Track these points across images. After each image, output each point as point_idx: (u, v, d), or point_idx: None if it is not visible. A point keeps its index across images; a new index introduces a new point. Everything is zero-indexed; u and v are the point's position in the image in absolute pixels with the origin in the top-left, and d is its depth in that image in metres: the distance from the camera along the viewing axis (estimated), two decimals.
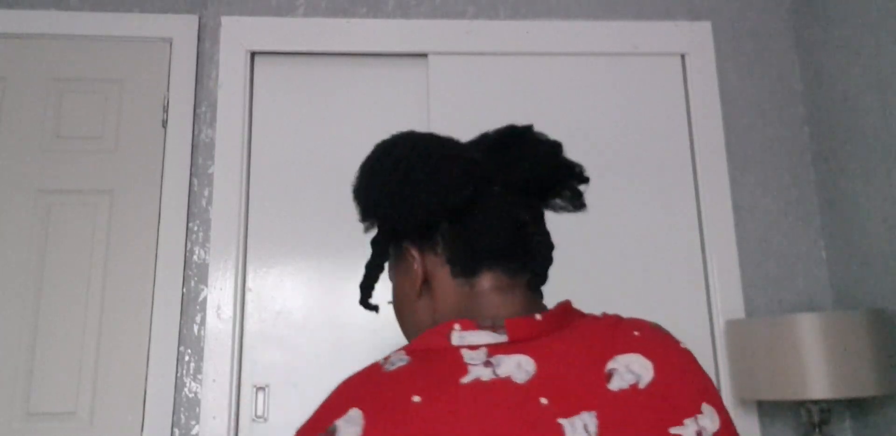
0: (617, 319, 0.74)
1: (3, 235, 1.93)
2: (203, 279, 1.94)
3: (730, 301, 2.00)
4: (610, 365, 0.67)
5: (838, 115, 2.01)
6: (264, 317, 1.96)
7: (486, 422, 0.60)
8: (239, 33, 2.09)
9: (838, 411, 1.95)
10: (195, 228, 1.97)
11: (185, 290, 1.93)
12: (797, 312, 1.99)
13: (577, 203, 0.78)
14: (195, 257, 1.96)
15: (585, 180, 0.78)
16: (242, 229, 1.98)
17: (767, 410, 1.95)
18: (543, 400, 0.63)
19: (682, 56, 2.19)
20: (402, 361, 0.66)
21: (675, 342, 0.74)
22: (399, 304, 0.80)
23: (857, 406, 1.92)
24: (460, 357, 0.65)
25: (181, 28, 2.08)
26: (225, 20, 2.09)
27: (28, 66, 2.05)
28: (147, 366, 1.86)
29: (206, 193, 1.99)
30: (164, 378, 1.85)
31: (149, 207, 1.97)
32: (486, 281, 0.74)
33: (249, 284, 1.98)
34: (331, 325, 1.96)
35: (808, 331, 1.66)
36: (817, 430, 1.75)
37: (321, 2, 2.14)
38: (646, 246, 2.05)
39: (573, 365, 0.66)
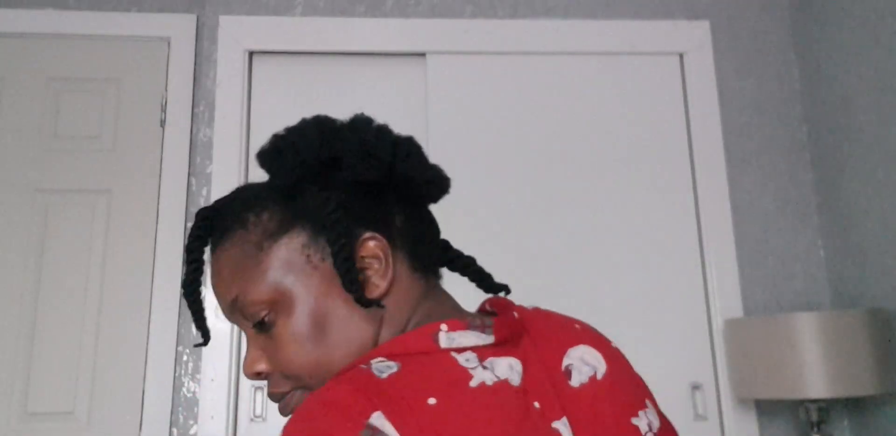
0: (549, 312, 0.72)
1: (1, 234, 1.92)
2: None
3: (728, 300, 2.00)
4: (565, 361, 0.65)
5: (836, 114, 2.01)
6: None
7: (497, 426, 0.57)
8: (237, 33, 2.09)
9: (836, 411, 1.95)
10: None
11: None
12: (795, 311, 1.99)
13: None
14: None
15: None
16: None
17: (766, 409, 1.95)
18: (536, 404, 0.60)
19: (681, 55, 2.19)
20: (391, 367, 0.59)
21: (606, 338, 0.73)
22: (321, 323, 0.65)
23: (855, 405, 1.93)
24: (454, 360, 0.60)
25: (179, 27, 2.08)
26: (223, 19, 2.09)
27: (26, 65, 2.04)
28: (145, 365, 1.86)
29: (204, 192, 1.99)
30: (162, 378, 1.85)
31: (147, 207, 1.97)
32: (435, 276, 0.72)
33: None
34: None
35: (807, 330, 1.66)
36: (815, 429, 1.75)
37: (319, 1, 2.14)
38: (644, 245, 2.04)
39: (542, 365, 0.64)
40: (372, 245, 0.65)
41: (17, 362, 1.85)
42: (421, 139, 0.79)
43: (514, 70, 2.14)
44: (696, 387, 1.95)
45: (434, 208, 0.74)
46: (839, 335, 1.65)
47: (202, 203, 1.98)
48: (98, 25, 2.06)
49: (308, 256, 0.65)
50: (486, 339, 0.62)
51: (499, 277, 0.85)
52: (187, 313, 1.92)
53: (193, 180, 2.00)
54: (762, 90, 2.18)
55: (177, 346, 1.89)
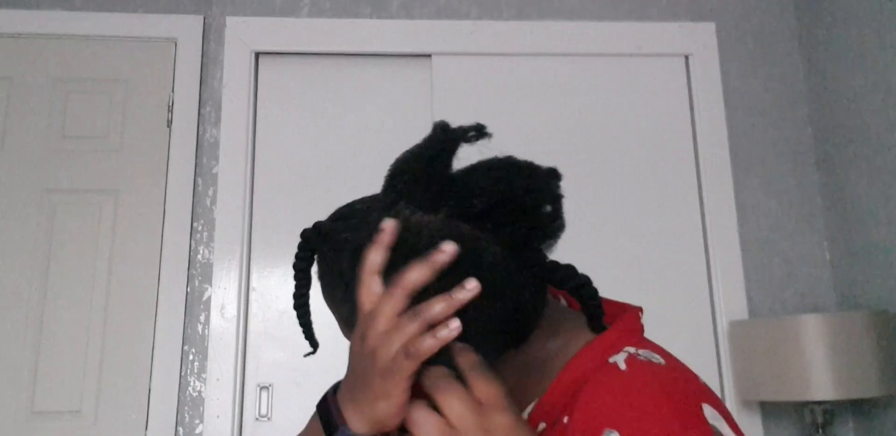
0: None
1: (9, 234, 1.93)
2: (207, 279, 1.95)
3: (733, 302, 2.00)
4: None
5: (842, 116, 2.01)
6: (268, 316, 1.96)
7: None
8: (244, 34, 2.10)
9: (841, 413, 1.95)
10: (199, 228, 1.98)
11: (189, 289, 1.94)
12: (800, 313, 1.99)
13: None
14: (199, 257, 1.96)
15: None
16: (246, 229, 1.99)
17: (770, 411, 1.95)
18: None
19: (686, 57, 2.19)
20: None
21: None
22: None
23: (860, 407, 1.92)
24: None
25: (186, 28, 2.09)
26: (230, 20, 2.10)
27: (33, 66, 2.05)
28: (151, 365, 1.87)
29: (210, 192, 2.00)
30: (168, 377, 1.86)
31: (153, 207, 1.98)
32: None
33: (253, 283, 1.98)
34: (334, 324, 1.97)
35: (812, 332, 1.66)
36: (820, 431, 1.75)
37: (325, 2, 2.14)
38: (649, 247, 2.05)
39: None
40: None
41: (25, 361, 1.86)
42: None
43: (519, 71, 2.15)
44: None
45: None
46: (844, 337, 1.65)
47: (208, 203, 1.99)
48: (105, 26, 2.07)
49: None
50: None
51: None
52: (193, 313, 1.92)
53: (200, 181, 2.01)
54: (768, 92, 2.17)
55: (182, 345, 1.89)
